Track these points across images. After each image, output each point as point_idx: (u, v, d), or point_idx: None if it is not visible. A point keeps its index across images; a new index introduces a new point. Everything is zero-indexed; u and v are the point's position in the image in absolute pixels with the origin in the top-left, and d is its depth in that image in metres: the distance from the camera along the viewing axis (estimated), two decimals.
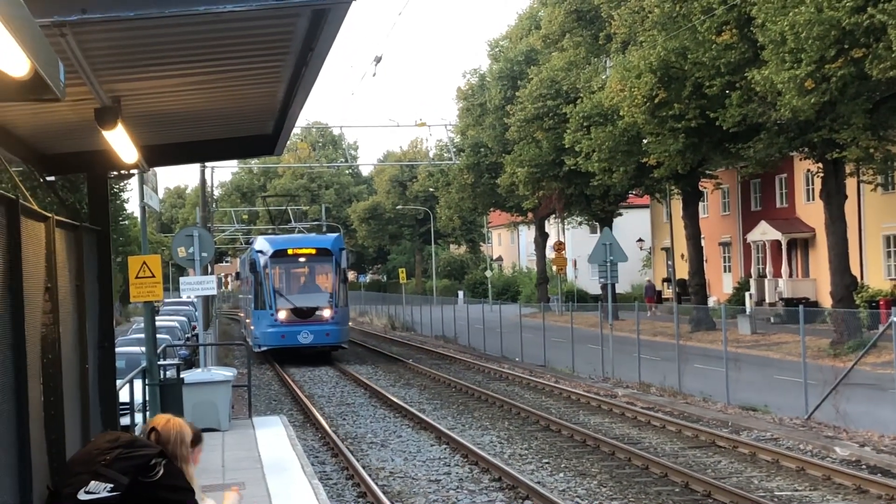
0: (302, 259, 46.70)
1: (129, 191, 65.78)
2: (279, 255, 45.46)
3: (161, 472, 6.70)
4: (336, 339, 44.95)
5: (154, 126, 11.21)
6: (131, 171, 13.89)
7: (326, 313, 44.44)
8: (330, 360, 46.16)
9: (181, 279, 26.91)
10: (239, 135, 13.08)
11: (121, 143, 9.83)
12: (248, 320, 54.17)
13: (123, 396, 16.18)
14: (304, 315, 44.28)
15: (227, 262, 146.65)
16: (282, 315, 44.20)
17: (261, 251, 45.79)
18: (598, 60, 61.93)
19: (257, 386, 34.08)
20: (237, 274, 78.52)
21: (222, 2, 6.22)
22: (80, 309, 11.36)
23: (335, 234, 50.44)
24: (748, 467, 19.05)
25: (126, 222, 74.09)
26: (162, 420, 7.13)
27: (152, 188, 20.36)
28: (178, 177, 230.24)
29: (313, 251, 46.47)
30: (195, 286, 25.97)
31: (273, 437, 21.23)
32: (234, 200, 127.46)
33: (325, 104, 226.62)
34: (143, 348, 23.59)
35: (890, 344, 22.30)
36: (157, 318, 30.11)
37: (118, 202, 64.00)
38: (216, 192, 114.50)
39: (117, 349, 17.65)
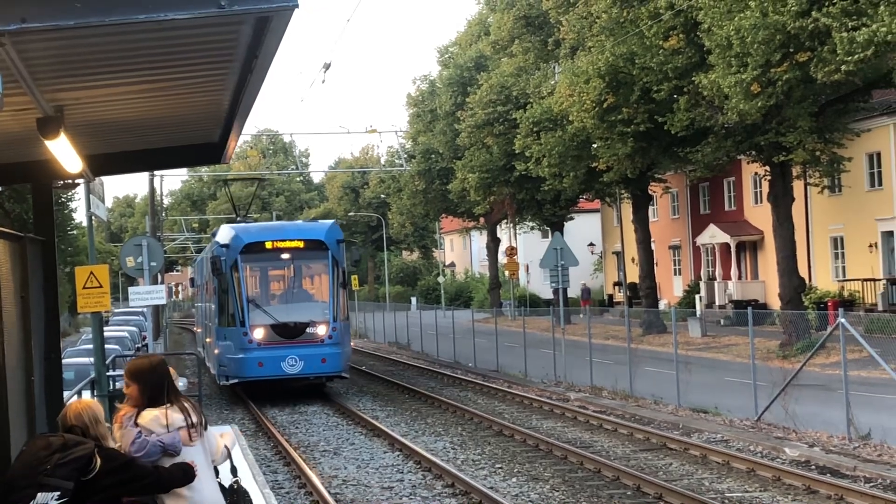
0: (286, 256, 33.20)
1: (76, 200, 65.14)
2: (254, 249, 31.96)
3: (98, 462, 6.80)
4: (335, 365, 31.50)
5: (99, 135, 11.12)
6: (76, 181, 13.76)
7: (321, 330, 31.36)
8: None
9: (130, 289, 26.72)
10: (185, 143, 13.00)
11: (64, 152, 9.74)
12: (208, 339, 38.66)
13: None
14: (290, 333, 31.30)
15: (177, 270, 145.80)
16: (259, 334, 31.09)
17: (227, 245, 31.89)
18: (547, 66, 62.16)
19: (208, 395, 33.88)
20: (192, 280, 62.43)
21: (164, 9, 6.18)
22: (25, 320, 11.25)
23: (330, 222, 35.34)
24: (699, 469, 19.16)
25: (74, 232, 73.41)
26: (71, 412, 7.17)
27: (99, 197, 20.20)
28: (127, 186, 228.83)
29: (301, 244, 32.75)
30: (144, 296, 25.81)
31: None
32: (184, 209, 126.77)
33: (274, 112, 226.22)
34: (92, 359, 23.40)
35: (838, 345, 22.51)
36: (106, 328, 29.90)
37: (66, 212, 63.43)
38: (166, 201, 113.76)
39: (66, 360, 17.53)
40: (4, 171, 12.59)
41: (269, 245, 32.37)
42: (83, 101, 8.94)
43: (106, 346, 24.68)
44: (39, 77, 7.67)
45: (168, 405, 7.52)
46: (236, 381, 31.92)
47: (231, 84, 9.13)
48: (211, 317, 36.00)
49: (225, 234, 32.80)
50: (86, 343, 35.90)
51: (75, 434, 6.95)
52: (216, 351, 33.53)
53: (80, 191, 57.08)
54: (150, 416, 7.45)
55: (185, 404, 7.68)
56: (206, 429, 7.83)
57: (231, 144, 12.47)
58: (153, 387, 7.52)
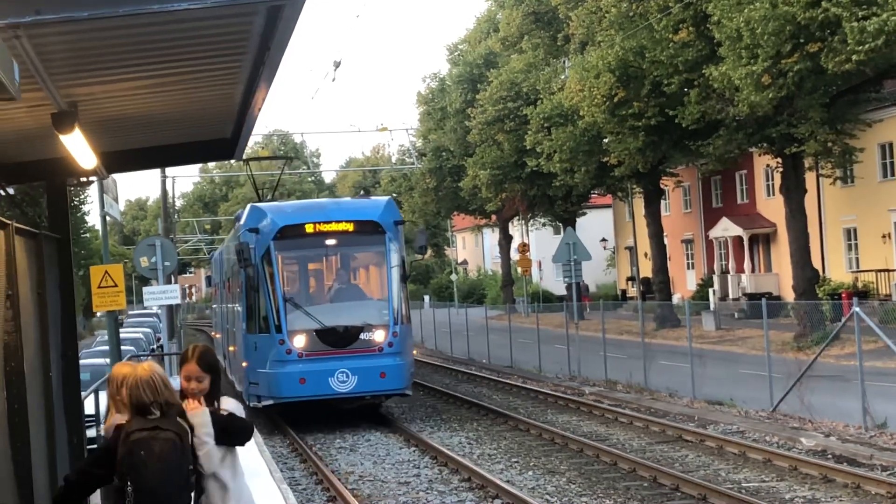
0: (332, 241, 26.34)
1: (89, 203, 65.33)
2: (291, 234, 25.63)
3: (192, 444, 6.89)
4: (397, 381, 25.04)
5: (112, 131, 11.16)
6: (91, 178, 13.82)
7: (379, 336, 24.90)
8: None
9: (144, 289, 26.87)
10: (198, 139, 13.04)
11: (79, 148, 9.78)
12: (231, 347, 32.22)
13: (89, 408, 16.08)
14: (339, 341, 24.83)
15: (190, 272, 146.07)
16: (300, 342, 24.66)
17: (256, 229, 25.41)
18: (556, 61, 62.16)
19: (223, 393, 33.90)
20: (208, 279, 56.16)
21: (177, 0, 6.21)
22: (42, 317, 11.31)
23: (385, 199, 27.94)
24: (715, 460, 19.14)
25: (87, 235, 73.65)
26: (136, 377, 6.96)
27: (112, 197, 20.30)
28: (139, 189, 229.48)
29: (350, 226, 25.93)
30: (158, 296, 25.89)
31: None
32: (196, 211, 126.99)
33: (285, 112, 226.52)
34: (108, 360, 23.50)
35: (853, 336, 22.48)
36: (121, 330, 30.01)
37: (79, 214, 63.62)
38: (178, 203, 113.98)
39: (82, 361, 17.57)
40: (20, 168, 12.64)
41: (310, 228, 25.36)
42: (97, 96, 8.98)
43: (121, 347, 24.78)
44: (54, 71, 7.70)
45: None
46: (271, 401, 24.82)
47: (244, 77, 9.16)
48: (235, 321, 28.79)
49: (254, 215, 25.65)
50: (101, 344, 36.01)
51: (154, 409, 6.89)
52: (244, 364, 26.11)
53: (93, 193, 57.04)
54: (232, 403, 7.60)
55: None
56: None
57: (244, 140, 12.52)
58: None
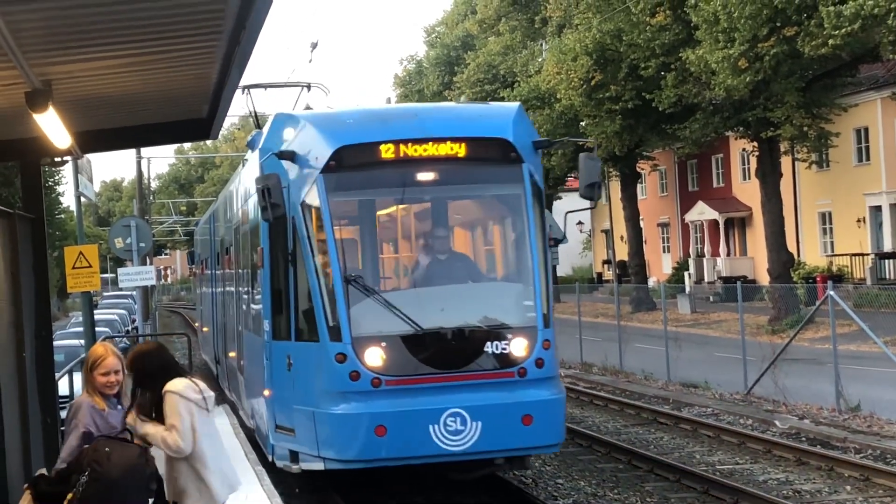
0: (429, 176, 14.14)
1: (64, 184, 65.01)
2: (357, 161, 13.63)
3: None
4: (552, 430, 13.66)
5: (87, 111, 11.09)
6: (65, 158, 13.74)
7: (519, 348, 13.36)
8: None
9: (119, 270, 26.71)
10: (174, 119, 13.00)
11: (53, 127, 9.71)
12: (231, 353, 21.39)
13: (63, 389, 16.03)
14: (449, 356, 13.28)
15: (165, 254, 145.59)
16: (376, 358, 12.97)
17: (292, 153, 13.49)
18: (534, 44, 62.12)
19: (199, 375, 33.78)
20: (190, 255, 44.54)
21: None
22: (16, 297, 11.24)
23: (514, 106, 14.92)
24: (690, 442, 19.21)
25: (62, 216, 73.28)
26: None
27: (87, 177, 20.18)
28: (115, 170, 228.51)
29: (461, 150, 13.78)
30: (133, 277, 25.78)
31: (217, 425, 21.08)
32: (171, 192, 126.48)
33: (262, 93, 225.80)
34: (83, 341, 23.40)
35: (827, 320, 22.59)
36: (96, 311, 29.84)
37: (53, 195, 63.30)
38: (153, 184, 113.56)
39: (56, 342, 17.51)
40: None
41: (389, 152, 13.64)
42: (72, 74, 8.92)
43: (96, 328, 24.68)
44: (28, 49, 7.64)
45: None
46: (320, 465, 13.50)
47: (219, 56, 9.11)
48: (246, 316, 17.66)
49: (288, 129, 14.03)
50: (75, 326, 35.85)
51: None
52: (267, 393, 14.68)
53: (68, 174, 56.67)
54: (183, 385, 7.74)
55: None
56: None
57: (219, 120, 12.47)
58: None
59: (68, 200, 74.09)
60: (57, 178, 61.05)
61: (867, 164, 47.70)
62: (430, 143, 13.52)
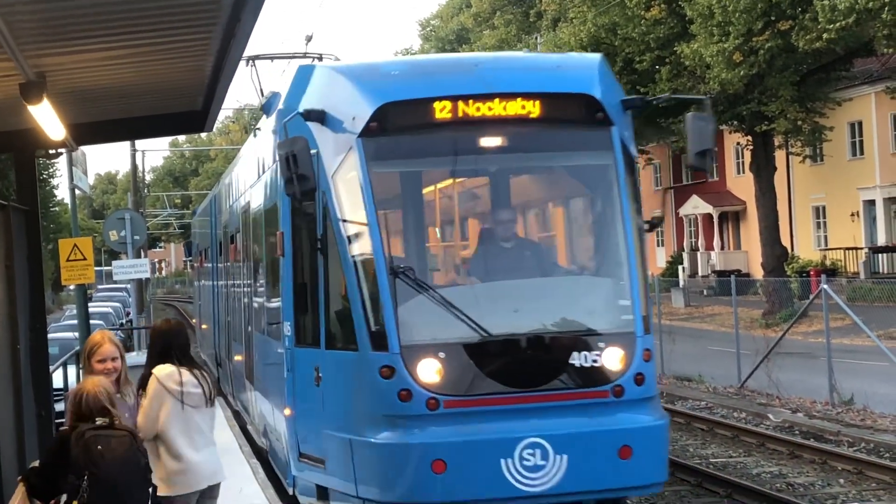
0: (495, 141, 11.06)
1: (58, 176, 64.94)
2: (405, 121, 10.58)
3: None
4: (654, 464, 10.50)
5: (82, 103, 11.08)
6: (59, 150, 13.74)
7: (613, 360, 10.30)
8: None
9: (114, 262, 26.70)
10: (168, 111, 12.98)
11: (47, 119, 9.71)
12: (252, 369, 15.73)
13: (57, 382, 16.02)
14: (524, 370, 10.23)
15: (160, 247, 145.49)
16: (431, 372, 9.92)
17: (321, 113, 10.47)
18: (529, 38, 62.07)
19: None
20: (188, 246, 42.52)
21: None
22: (10, 290, 11.25)
23: (596, 58, 11.68)
24: (684, 435, 19.24)
25: (56, 209, 73.19)
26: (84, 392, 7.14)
27: (82, 170, 20.17)
28: (109, 162, 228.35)
29: (534, 108, 10.61)
30: (128, 269, 25.77)
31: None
32: (166, 185, 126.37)
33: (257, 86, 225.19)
34: (77, 333, 23.40)
35: (820, 313, 22.62)
36: (90, 304, 29.82)
37: (48, 188, 63.22)
38: (148, 177, 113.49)
39: (50, 335, 17.50)
40: None
41: (444, 111, 10.59)
42: (66, 66, 8.91)
43: (90, 321, 24.68)
44: (23, 41, 7.64)
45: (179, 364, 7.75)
46: None
47: (214, 49, 9.12)
48: (258, 315, 14.84)
49: (317, 83, 11.18)
50: (70, 318, 35.85)
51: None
52: (287, 411, 11.78)
53: (62, 167, 56.47)
54: (165, 372, 7.92)
55: (198, 371, 7.96)
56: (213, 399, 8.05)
57: (214, 112, 12.47)
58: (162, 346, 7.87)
59: (63, 193, 74.12)
60: (51, 170, 60.97)
61: (861, 159, 47.74)
62: (497, 101, 10.55)
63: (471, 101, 10.42)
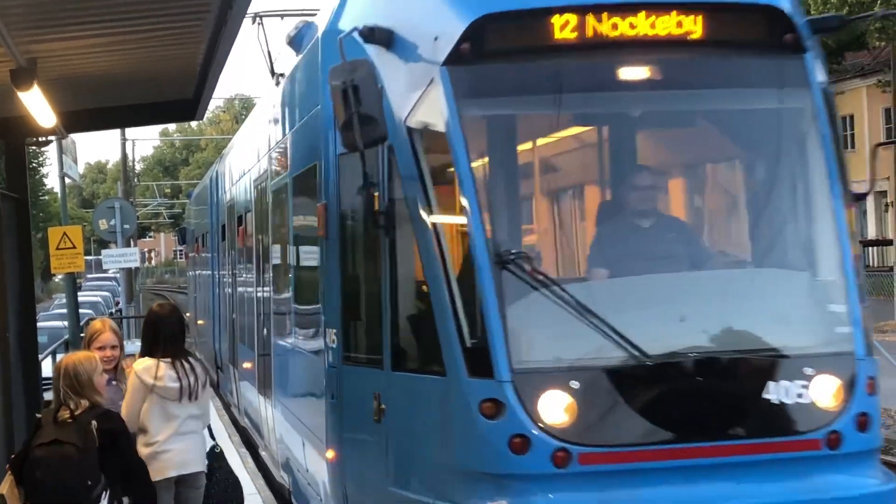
0: (642, 70, 7.23)
1: (48, 165, 64.87)
2: (512, 36, 6.94)
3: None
4: None
5: (73, 90, 11.04)
6: (50, 138, 13.70)
7: (827, 392, 6.70)
8: None
9: (103, 252, 26.64)
10: (160, 99, 12.94)
11: (38, 106, 9.66)
12: (270, 386, 12.02)
13: (46, 371, 15.99)
14: (702, 413, 6.61)
15: (150, 237, 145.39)
16: (556, 410, 6.41)
17: (387, 35, 7.09)
18: None
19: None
20: (181, 233, 38.36)
21: None
22: (0, 277, 11.21)
23: None
24: None
25: (46, 198, 73.09)
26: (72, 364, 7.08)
27: (72, 158, 20.10)
28: (99, 152, 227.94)
29: (695, 22, 6.95)
30: (118, 258, 25.70)
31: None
32: (156, 175, 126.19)
33: (247, 76, 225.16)
34: (66, 322, 23.35)
35: None
36: (79, 293, 29.76)
37: (37, 177, 63.16)
38: (137, 167, 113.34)
39: (40, 324, 17.46)
40: None
41: (566, 27, 6.91)
42: (57, 52, 8.87)
43: (79, 310, 24.62)
44: (13, 27, 7.60)
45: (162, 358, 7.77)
46: None
47: (205, 36, 9.08)
48: (276, 318, 11.66)
49: None
50: (59, 308, 35.79)
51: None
52: (330, 454, 8.34)
53: (52, 156, 56.34)
54: (143, 366, 7.84)
55: (184, 362, 7.91)
56: (203, 389, 8.04)
57: (205, 101, 12.44)
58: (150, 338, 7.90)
59: (52, 181, 74.03)
60: (41, 159, 60.89)
61: (852, 152, 47.75)
62: (642, 15, 7.00)
63: (605, 16, 6.92)
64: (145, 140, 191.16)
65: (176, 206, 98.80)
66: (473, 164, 6.78)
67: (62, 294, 37.86)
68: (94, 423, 6.67)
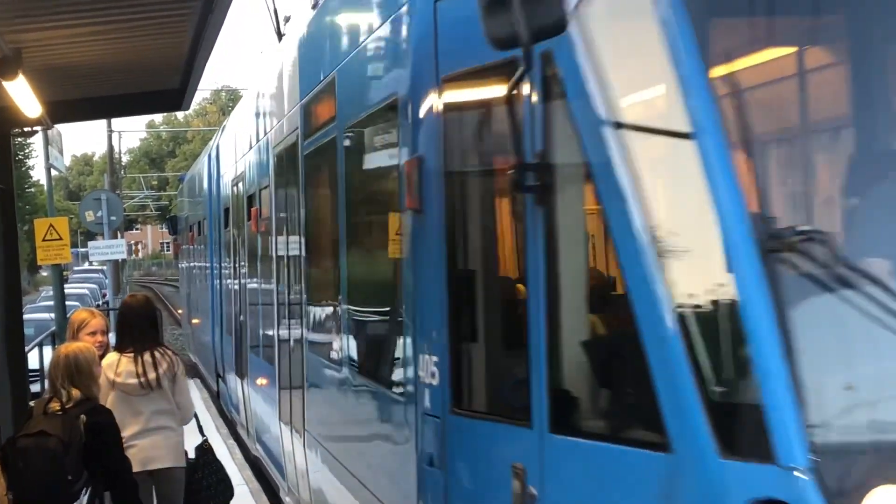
0: None
1: (34, 157, 64.65)
2: None
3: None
4: None
5: (58, 80, 10.98)
6: (35, 129, 13.62)
7: None
8: None
9: (90, 243, 26.55)
10: (146, 89, 12.89)
11: (23, 96, 9.61)
12: (316, 435, 8.42)
13: (33, 363, 15.92)
14: None
15: (136, 229, 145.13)
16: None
17: None
18: None
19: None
20: (171, 222, 33.29)
21: None
22: None
23: None
24: None
25: (32, 189, 72.87)
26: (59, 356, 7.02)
27: (58, 149, 20.02)
28: (86, 144, 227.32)
29: None
30: (104, 250, 25.61)
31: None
32: (142, 167, 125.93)
33: (233, 67, 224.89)
34: (53, 314, 23.28)
35: None
36: (66, 285, 29.66)
37: (23, 169, 62.96)
38: (124, 159, 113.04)
39: (26, 316, 17.39)
40: None
41: None
42: (42, 42, 8.82)
43: (66, 302, 24.54)
44: None
45: (123, 353, 7.79)
46: None
47: (192, 25, 9.03)
48: (313, 331, 8.66)
49: None
50: (45, 300, 35.68)
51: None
52: None
53: (38, 148, 56.18)
54: (107, 362, 7.83)
55: (147, 355, 7.85)
56: (174, 382, 7.97)
57: (191, 91, 12.39)
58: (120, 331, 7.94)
59: (38, 173, 73.73)
60: (27, 151, 60.69)
61: None
62: None
63: None
64: (132, 132, 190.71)
65: (163, 198, 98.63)
66: (715, 86, 3.67)
67: (49, 286, 37.72)
68: (82, 417, 6.60)
